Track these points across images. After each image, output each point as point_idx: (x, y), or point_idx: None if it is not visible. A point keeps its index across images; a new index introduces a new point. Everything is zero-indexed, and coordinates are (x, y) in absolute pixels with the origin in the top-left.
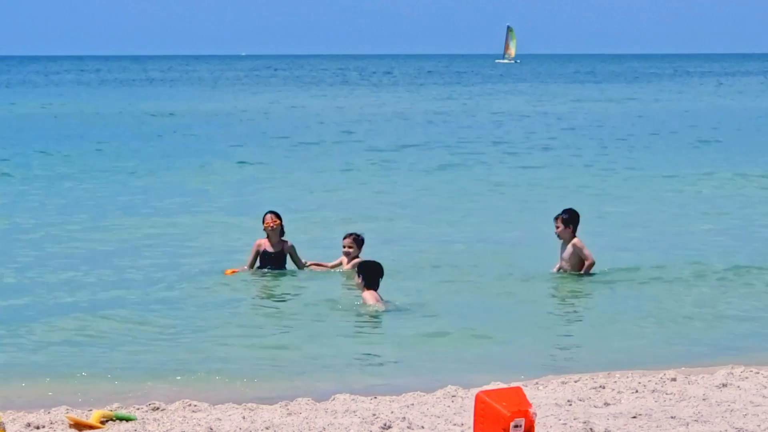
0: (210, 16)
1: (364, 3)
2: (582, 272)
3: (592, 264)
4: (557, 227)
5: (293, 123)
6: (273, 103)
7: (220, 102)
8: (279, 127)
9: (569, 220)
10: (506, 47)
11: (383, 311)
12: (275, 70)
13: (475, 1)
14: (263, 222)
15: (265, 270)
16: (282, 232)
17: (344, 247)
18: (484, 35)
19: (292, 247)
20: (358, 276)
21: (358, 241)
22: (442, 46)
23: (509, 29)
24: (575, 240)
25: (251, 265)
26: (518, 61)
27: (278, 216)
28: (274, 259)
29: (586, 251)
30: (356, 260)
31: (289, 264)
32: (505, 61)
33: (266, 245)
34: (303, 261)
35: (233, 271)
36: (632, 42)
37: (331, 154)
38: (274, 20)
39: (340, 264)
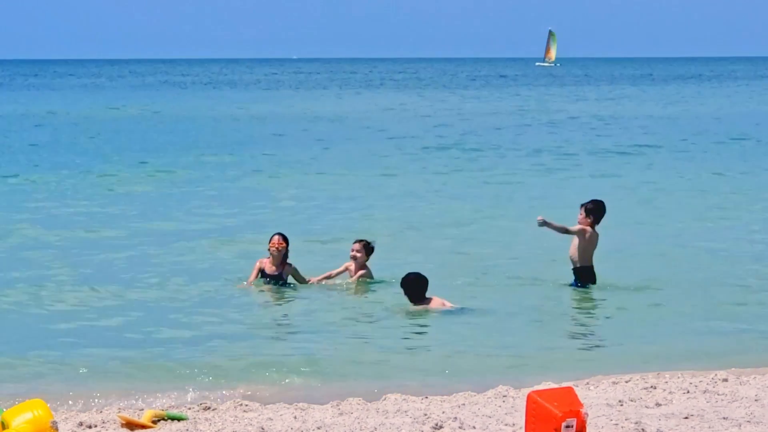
0: (256, 19)
1: (399, 6)
2: (559, 228)
3: (570, 231)
4: (580, 214)
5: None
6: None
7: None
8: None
9: (592, 210)
10: (547, 50)
11: (434, 313)
12: (330, 73)
13: (503, 6)
14: (269, 242)
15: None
16: (286, 256)
17: (352, 251)
18: (517, 39)
19: (295, 269)
20: (404, 293)
21: (367, 248)
22: (470, 49)
23: (551, 33)
24: (587, 228)
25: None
26: (558, 64)
27: (285, 239)
28: (272, 281)
29: (572, 228)
30: (362, 271)
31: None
32: (546, 64)
33: (267, 266)
34: (307, 279)
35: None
36: (656, 45)
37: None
38: (315, 25)
39: (346, 270)
